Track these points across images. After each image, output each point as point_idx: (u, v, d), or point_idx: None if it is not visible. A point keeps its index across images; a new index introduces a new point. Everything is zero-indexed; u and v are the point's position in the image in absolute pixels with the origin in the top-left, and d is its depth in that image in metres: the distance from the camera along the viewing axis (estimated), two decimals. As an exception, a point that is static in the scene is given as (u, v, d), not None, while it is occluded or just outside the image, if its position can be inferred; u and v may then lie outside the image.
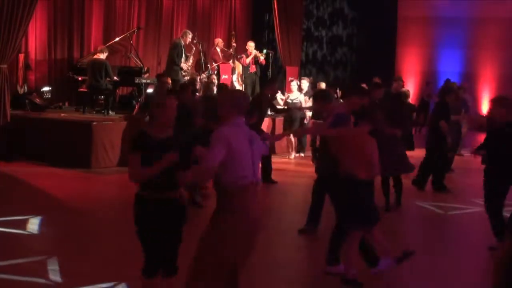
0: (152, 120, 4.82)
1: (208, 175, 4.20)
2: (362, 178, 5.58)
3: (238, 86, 15.33)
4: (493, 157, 7.01)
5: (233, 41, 15.86)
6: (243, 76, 15.78)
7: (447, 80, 15.18)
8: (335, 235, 6.05)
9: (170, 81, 12.24)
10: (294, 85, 13.62)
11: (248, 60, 15.69)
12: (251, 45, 15.85)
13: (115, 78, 13.15)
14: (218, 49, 15.52)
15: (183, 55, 14.03)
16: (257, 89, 15.90)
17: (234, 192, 4.18)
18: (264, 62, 15.90)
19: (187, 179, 4.42)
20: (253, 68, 15.76)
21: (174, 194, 4.44)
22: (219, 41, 15.80)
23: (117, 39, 14.38)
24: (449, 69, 19.83)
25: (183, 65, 14.05)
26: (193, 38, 14.90)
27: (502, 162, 6.88)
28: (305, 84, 13.95)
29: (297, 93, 13.51)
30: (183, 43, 14.07)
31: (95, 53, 13.39)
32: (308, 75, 19.95)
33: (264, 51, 16.09)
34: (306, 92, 13.73)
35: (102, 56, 12.97)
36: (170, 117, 4.46)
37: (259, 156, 4.38)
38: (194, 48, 14.76)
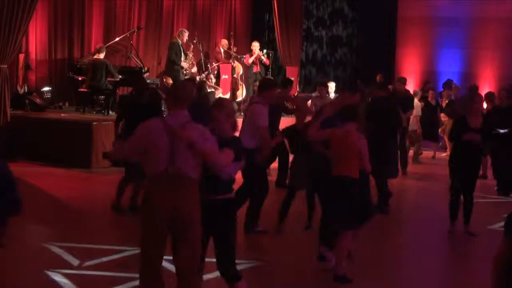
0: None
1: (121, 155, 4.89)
2: (356, 177, 5.73)
3: (239, 86, 15.36)
4: None
5: (232, 43, 15.84)
6: (243, 76, 15.78)
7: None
8: (323, 233, 6.23)
9: (172, 81, 12.24)
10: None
11: (251, 60, 15.68)
12: (255, 45, 15.86)
13: (119, 76, 13.14)
14: (222, 50, 15.54)
15: (182, 54, 14.03)
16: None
17: (147, 180, 4.36)
18: (268, 63, 15.85)
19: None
20: (256, 68, 15.75)
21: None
22: (224, 42, 15.80)
23: (117, 39, 14.38)
24: (449, 69, 19.79)
25: (184, 64, 14.05)
26: (192, 38, 14.90)
27: None
28: (333, 88, 13.69)
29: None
30: (180, 42, 14.07)
31: (95, 53, 13.40)
32: (308, 75, 20.00)
33: (264, 51, 16.08)
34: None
35: (100, 55, 12.98)
36: None
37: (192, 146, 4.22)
38: (192, 46, 14.75)
